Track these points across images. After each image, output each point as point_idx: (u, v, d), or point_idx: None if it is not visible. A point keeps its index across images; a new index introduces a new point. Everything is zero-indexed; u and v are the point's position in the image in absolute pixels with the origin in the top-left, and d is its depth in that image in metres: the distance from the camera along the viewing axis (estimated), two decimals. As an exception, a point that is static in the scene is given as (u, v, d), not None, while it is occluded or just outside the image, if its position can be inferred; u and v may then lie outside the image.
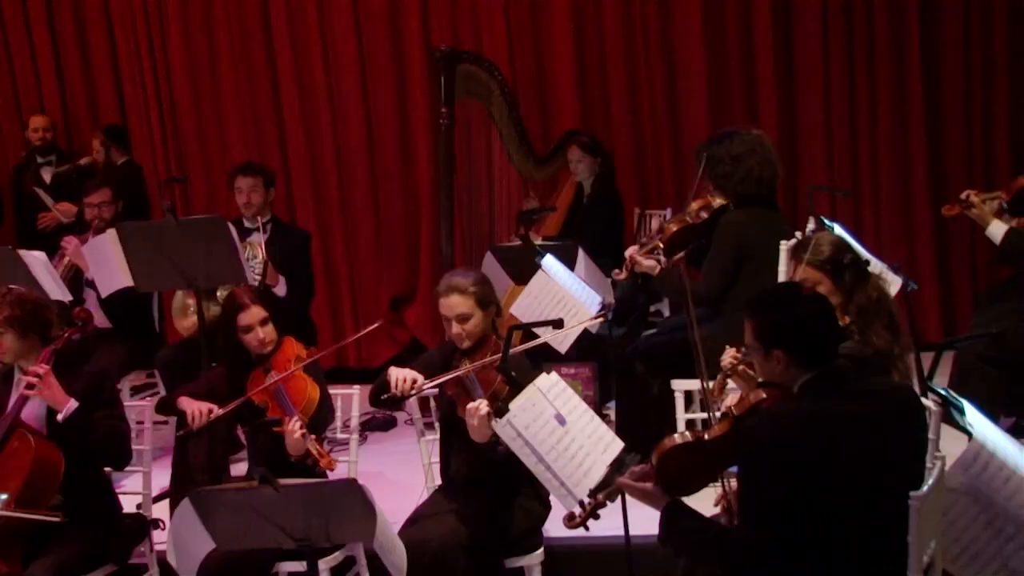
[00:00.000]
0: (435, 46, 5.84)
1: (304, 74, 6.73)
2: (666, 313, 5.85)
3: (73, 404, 3.63)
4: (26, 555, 3.51)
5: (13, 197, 7.11)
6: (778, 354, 2.61)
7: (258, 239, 5.30)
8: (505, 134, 5.70)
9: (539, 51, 6.55)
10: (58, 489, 3.62)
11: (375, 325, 4.07)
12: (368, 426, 5.43)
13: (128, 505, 3.96)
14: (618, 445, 3.12)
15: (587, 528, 2.88)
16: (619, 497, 2.82)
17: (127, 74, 7.03)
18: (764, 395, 2.63)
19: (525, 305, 4.36)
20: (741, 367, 3.17)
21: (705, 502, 2.85)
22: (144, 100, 6.98)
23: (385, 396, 3.59)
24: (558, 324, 3.63)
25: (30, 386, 3.62)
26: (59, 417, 3.62)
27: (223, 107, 6.89)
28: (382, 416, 5.55)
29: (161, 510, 4.10)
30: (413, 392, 3.57)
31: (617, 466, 3.02)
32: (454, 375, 3.56)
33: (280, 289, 5.17)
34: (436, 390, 3.70)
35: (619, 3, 6.46)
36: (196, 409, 3.74)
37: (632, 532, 3.02)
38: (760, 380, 2.70)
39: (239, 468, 4.39)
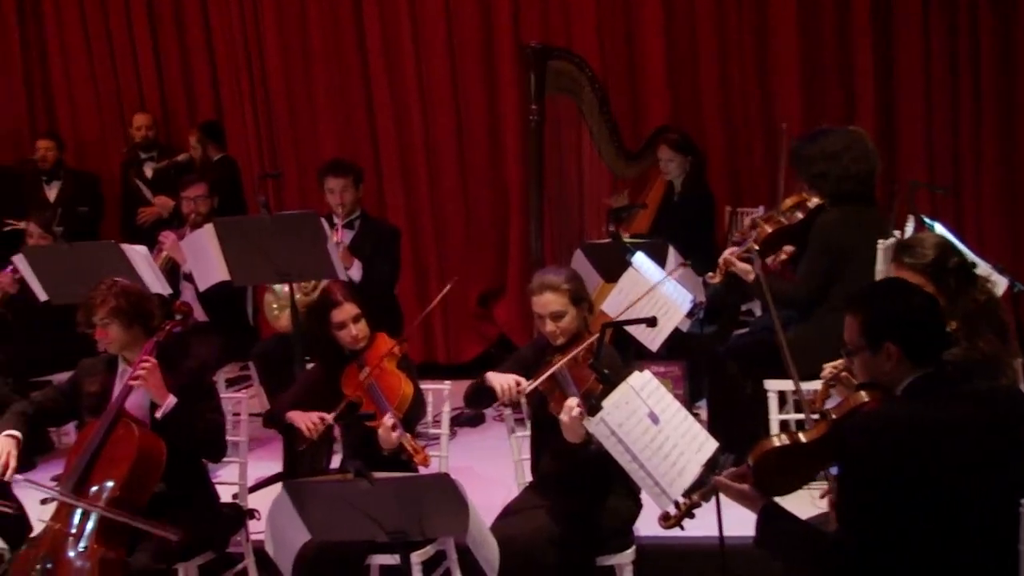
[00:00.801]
0: (526, 43, 5.87)
1: (395, 70, 6.82)
2: (757, 312, 5.79)
3: (172, 400, 3.74)
4: (131, 542, 3.63)
5: (121, 192, 7.34)
6: (889, 347, 2.54)
7: None
8: (595, 130, 5.70)
9: (630, 45, 6.52)
10: (160, 478, 3.73)
11: (443, 292, 4.09)
12: (456, 421, 5.49)
13: (224, 495, 4.06)
14: (712, 445, 3.12)
15: (682, 528, 2.89)
16: (713, 497, 2.82)
17: (224, 72, 7.21)
18: (865, 398, 2.60)
19: (616, 302, 4.36)
20: (844, 374, 3.12)
21: (801, 503, 2.83)
22: (240, 97, 7.15)
23: (496, 404, 3.65)
24: (652, 322, 3.63)
25: (136, 377, 3.74)
26: (158, 413, 3.73)
27: (316, 104, 7.02)
28: (470, 411, 5.61)
29: (256, 500, 4.21)
30: (520, 397, 3.61)
31: (711, 466, 3.01)
32: (550, 371, 3.58)
33: (355, 272, 5.22)
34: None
35: (712, -6, 6.41)
36: (308, 422, 3.83)
37: (726, 533, 3.01)
38: (861, 382, 2.67)
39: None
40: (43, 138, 7.24)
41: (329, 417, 3.84)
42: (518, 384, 3.60)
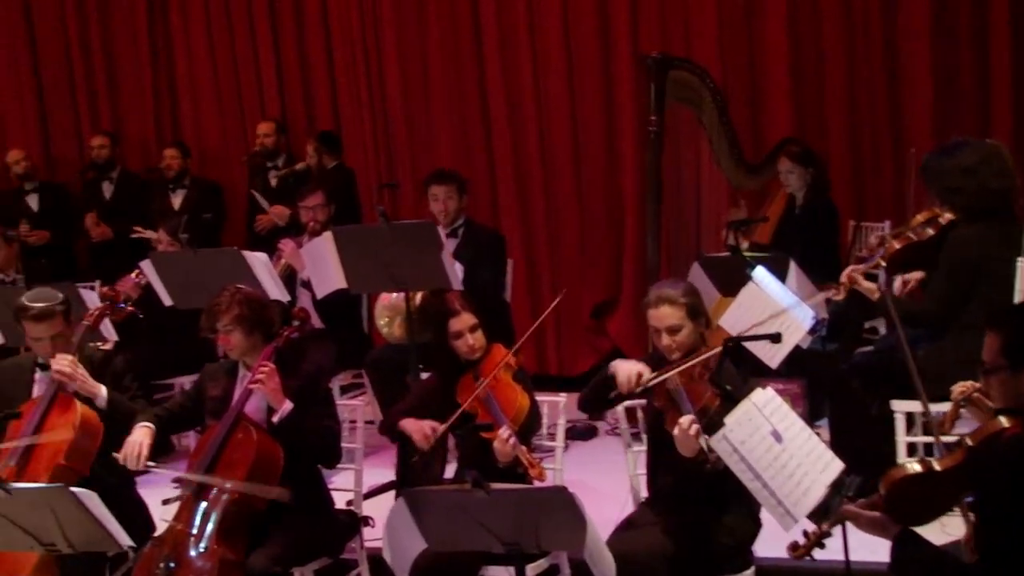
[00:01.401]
0: (645, 53, 5.86)
1: (512, 80, 6.88)
2: (881, 330, 5.65)
3: (288, 406, 3.82)
4: (249, 545, 3.73)
5: (242, 200, 7.57)
6: None
7: None
8: (715, 141, 5.66)
9: (752, 55, 6.44)
10: (278, 482, 3.83)
11: (555, 303, 4.10)
12: (570, 434, 5.49)
13: (339, 502, 4.14)
14: (837, 465, 3.05)
15: (812, 559, 2.83)
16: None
17: (343, 82, 7.38)
18: (1005, 423, 2.51)
19: (735, 317, 4.31)
20: (976, 395, 3.02)
21: (930, 529, 2.75)
22: (358, 107, 7.30)
23: (613, 394, 3.62)
24: (776, 338, 3.58)
25: (255, 381, 3.85)
26: (275, 418, 3.83)
27: (432, 113, 7.12)
28: (583, 425, 5.61)
29: (370, 507, 4.28)
30: (638, 389, 3.58)
31: (837, 488, 2.95)
32: (673, 372, 3.55)
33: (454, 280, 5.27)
34: (644, 400, 3.72)
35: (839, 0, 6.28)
36: (422, 431, 3.89)
37: (852, 558, 2.94)
38: (999, 407, 2.58)
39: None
40: (170, 147, 7.53)
41: (441, 427, 3.88)
42: (640, 375, 3.58)
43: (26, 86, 8.24)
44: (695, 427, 3.36)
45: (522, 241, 6.89)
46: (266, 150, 7.35)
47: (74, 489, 3.11)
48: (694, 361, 3.54)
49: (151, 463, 3.81)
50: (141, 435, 3.87)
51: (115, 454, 3.83)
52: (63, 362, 3.96)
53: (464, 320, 4.04)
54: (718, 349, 3.49)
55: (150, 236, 6.83)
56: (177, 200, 7.42)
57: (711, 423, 3.28)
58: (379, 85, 7.19)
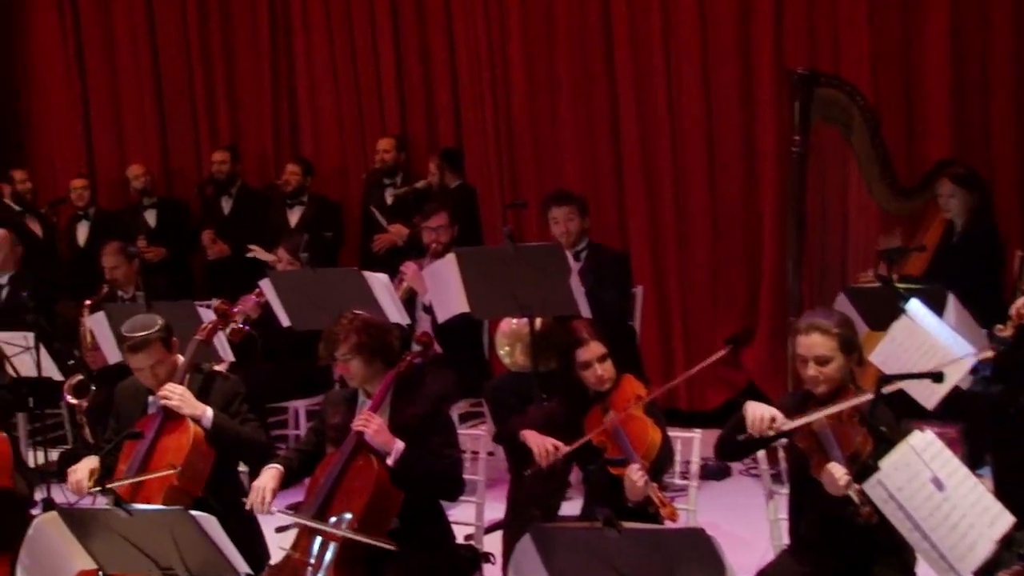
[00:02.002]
0: (790, 68, 5.78)
1: (645, 98, 6.87)
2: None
3: (400, 446, 3.87)
4: (368, 574, 3.77)
5: (360, 218, 7.72)
6: None
7: None
8: (864, 163, 5.53)
9: (907, 72, 6.27)
10: (397, 513, 3.86)
11: (719, 355, 4.04)
12: (701, 473, 5.41)
13: (458, 535, 4.16)
14: (1007, 519, 2.93)
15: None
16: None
17: (466, 98, 7.48)
18: None
19: (887, 353, 4.19)
20: None
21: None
22: (482, 123, 7.38)
23: (742, 437, 3.56)
24: (938, 378, 3.46)
25: (360, 429, 3.90)
26: (389, 461, 3.86)
27: (560, 131, 7.15)
28: (716, 464, 5.53)
29: (492, 542, 4.29)
30: (771, 433, 3.52)
31: (1007, 544, 2.84)
32: (813, 418, 3.47)
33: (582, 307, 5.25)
34: (785, 440, 3.64)
35: (1008, 7, 6.07)
36: (544, 446, 3.89)
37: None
38: None
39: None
40: (292, 162, 7.72)
41: (565, 449, 3.88)
42: (773, 419, 3.51)
43: (147, 100, 8.60)
44: (845, 476, 3.27)
45: (651, 266, 6.86)
46: (385, 167, 7.49)
47: (194, 513, 3.19)
48: (843, 407, 3.46)
49: (274, 510, 3.85)
50: (267, 478, 3.94)
51: (243, 499, 3.93)
52: (167, 391, 4.08)
53: (593, 350, 4.03)
54: (868, 396, 3.39)
55: (267, 258, 7.01)
56: (294, 217, 7.61)
57: (863, 469, 3.20)
58: (504, 101, 7.26)
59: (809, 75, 5.51)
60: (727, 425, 3.69)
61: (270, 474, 3.96)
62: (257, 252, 7.26)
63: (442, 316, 5.34)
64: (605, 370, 4.03)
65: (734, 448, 3.67)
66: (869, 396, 3.39)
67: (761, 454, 3.91)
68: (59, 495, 5.58)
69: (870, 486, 2.95)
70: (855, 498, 3.21)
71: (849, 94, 5.50)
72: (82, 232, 8.16)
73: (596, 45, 6.98)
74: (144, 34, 8.53)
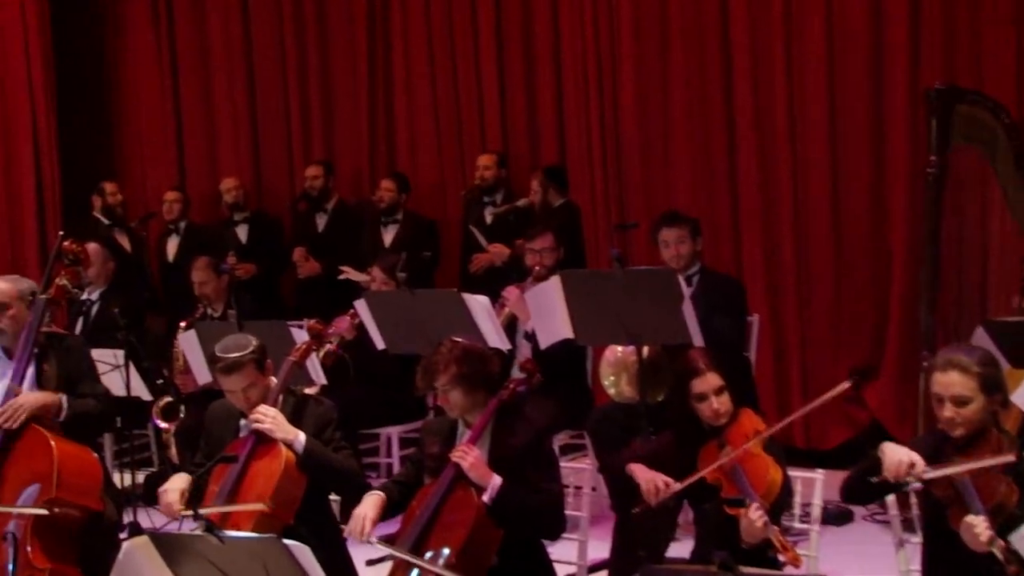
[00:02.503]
0: (928, 85, 5.66)
1: (764, 113, 6.79)
2: None
3: (497, 483, 3.86)
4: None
5: (458, 237, 7.78)
6: None
7: None
8: (1010, 189, 5.38)
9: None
10: (497, 550, 3.86)
11: (842, 387, 3.96)
12: (823, 517, 5.31)
13: (560, 575, 4.13)
14: None
15: None
16: None
17: (571, 113, 7.47)
18: None
19: (1033, 393, 4.08)
20: None
21: None
22: (587, 140, 7.35)
23: (875, 479, 3.48)
24: (1091, 422, 3.35)
25: (457, 459, 3.91)
26: (485, 497, 3.86)
27: (672, 149, 7.10)
28: (836, 507, 5.42)
29: (595, 584, 4.26)
30: (909, 480, 3.44)
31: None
32: (956, 470, 3.38)
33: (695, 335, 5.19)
34: (918, 484, 3.55)
35: None
36: (653, 482, 3.85)
37: None
38: None
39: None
40: (387, 179, 7.80)
41: (676, 486, 3.85)
42: (913, 465, 3.42)
43: (241, 113, 8.78)
44: (987, 531, 3.18)
45: (768, 294, 6.76)
46: (485, 184, 7.53)
47: (287, 542, 3.23)
48: (991, 463, 3.35)
49: (373, 539, 3.87)
50: (368, 506, 3.98)
51: (343, 526, 3.98)
52: (260, 414, 4.14)
53: (709, 381, 3.99)
54: (1006, 458, 3.29)
55: (360, 279, 7.08)
56: (389, 235, 7.69)
57: (1008, 521, 3.10)
58: (612, 117, 7.24)
59: (948, 91, 5.39)
60: (858, 466, 3.61)
61: (371, 501, 3.99)
62: (350, 273, 7.34)
63: (545, 342, 5.33)
64: (722, 403, 3.99)
65: (865, 491, 3.59)
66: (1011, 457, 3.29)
67: (891, 499, 3.82)
68: (145, 519, 5.70)
69: (1017, 541, 2.85)
70: (999, 555, 3.12)
71: (993, 112, 5.35)
72: (171, 247, 8.34)
73: (713, 58, 6.92)
74: (239, 46, 8.72)
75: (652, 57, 7.12)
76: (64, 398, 4.53)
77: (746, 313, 5.70)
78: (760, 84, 6.81)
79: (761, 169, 6.84)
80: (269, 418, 4.12)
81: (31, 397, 4.46)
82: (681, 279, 5.08)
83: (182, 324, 6.56)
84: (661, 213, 5.87)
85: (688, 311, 4.79)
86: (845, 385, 3.94)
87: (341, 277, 7.43)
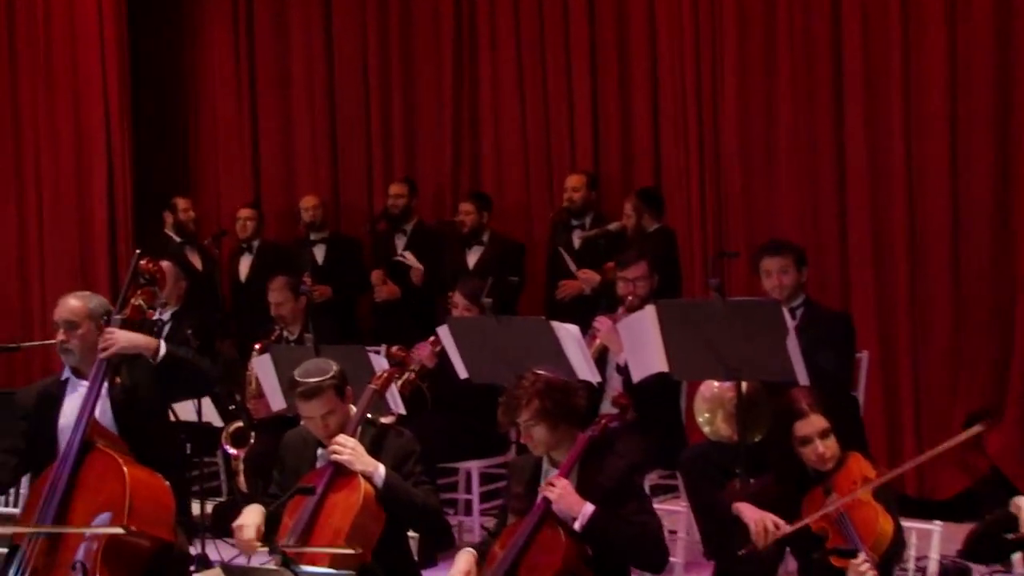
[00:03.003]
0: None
1: (878, 134, 6.72)
2: None
3: (588, 509, 3.88)
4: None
5: (546, 261, 7.78)
6: None
7: None
8: None
9: None
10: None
11: (973, 431, 3.89)
12: (939, 573, 5.21)
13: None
14: None
15: None
16: None
17: (668, 133, 7.49)
18: None
19: None
20: None
21: None
22: (685, 162, 7.35)
23: (1012, 536, 3.43)
24: None
25: (547, 495, 3.92)
26: (576, 525, 3.88)
27: (776, 172, 7.06)
28: (953, 563, 5.31)
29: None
30: None
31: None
32: None
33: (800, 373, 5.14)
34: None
35: None
36: (763, 522, 3.83)
37: None
38: None
39: None
40: (465, 201, 7.83)
41: (787, 528, 3.84)
42: None
43: (320, 128, 8.87)
44: None
45: (878, 329, 6.67)
46: (574, 206, 7.53)
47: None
48: None
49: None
50: (462, 565, 4.05)
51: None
52: (338, 445, 4.19)
53: (814, 423, 3.98)
54: None
55: (413, 264, 7.01)
56: (472, 258, 7.72)
57: None
58: (712, 137, 7.22)
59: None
60: (987, 520, 3.56)
61: (465, 559, 4.06)
62: (408, 259, 7.39)
63: (637, 375, 5.31)
64: (828, 447, 3.97)
65: (995, 548, 3.53)
66: None
67: (1016, 556, 3.74)
68: (213, 551, 5.78)
69: None
70: None
71: None
72: (244, 266, 8.45)
73: (822, 73, 6.87)
74: (320, 59, 8.83)
75: (757, 72, 7.10)
76: (162, 342, 4.60)
77: (854, 349, 5.62)
78: (874, 103, 6.74)
79: (872, 193, 6.77)
80: (348, 449, 4.16)
81: (125, 334, 4.54)
82: (784, 311, 5.04)
83: (257, 347, 6.65)
84: (765, 241, 5.82)
85: (792, 346, 4.75)
86: (977, 429, 3.91)
87: (397, 258, 7.45)
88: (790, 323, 5.16)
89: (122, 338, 4.54)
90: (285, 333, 6.90)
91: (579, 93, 7.88)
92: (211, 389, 5.28)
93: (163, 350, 4.59)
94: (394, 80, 8.63)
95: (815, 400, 4.06)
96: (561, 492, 3.90)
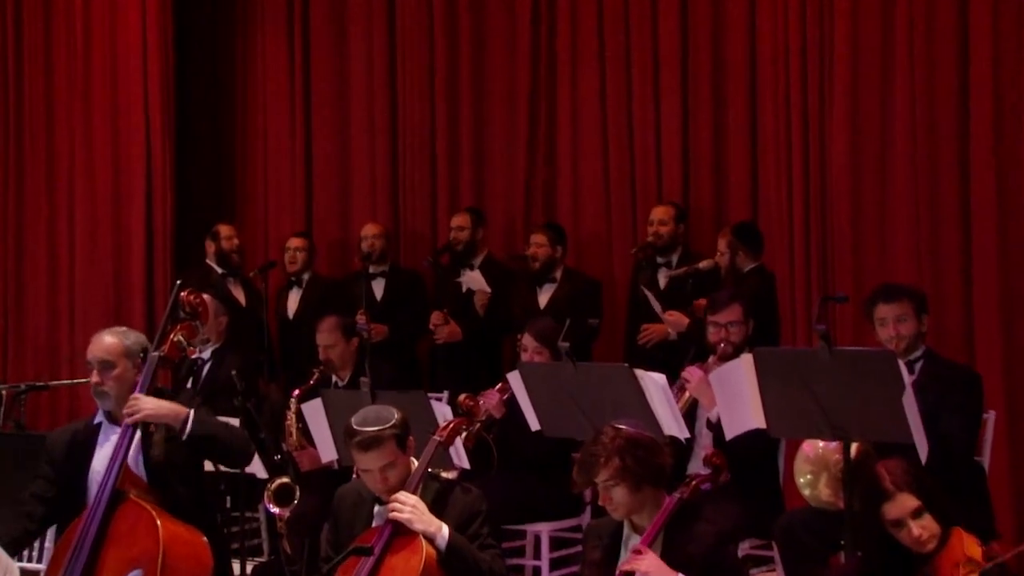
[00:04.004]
0: None
1: (1008, 172, 6.68)
2: None
3: None
4: None
5: (627, 302, 7.77)
6: None
7: None
8: None
9: None
10: None
11: None
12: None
13: None
14: None
15: None
16: None
17: (768, 162, 7.46)
18: None
19: None
20: None
21: None
22: (788, 194, 7.32)
23: None
24: None
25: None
26: None
27: (891, 209, 7.01)
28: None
29: None
30: None
31: None
32: None
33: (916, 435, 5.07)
34: None
35: None
36: None
37: None
38: None
39: None
40: (537, 232, 7.83)
41: None
42: None
43: (380, 152, 8.91)
44: None
45: (1005, 386, 6.60)
46: (660, 241, 7.50)
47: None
48: None
49: None
50: None
51: None
52: (398, 502, 4.20)
53: (903, 504, 3.93)
54: None
55: (482, 288, 6.97)
56: (544, 297, 7.71)
57: None
58: (819, 167, 7.20)
59: None
60: None
61: None
62: (472, 278, 7.35)
63: (731, 432, 5.26)
64: (923, 528, 3.92)
65: None
66: None
67: None
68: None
69: None
70: None
71: None
72: (292, 301, 8.50)
73: (946, 97, 6.82)
74: (382, 75, 8.88)
75: (871, 92, 7.05)
76: (191, 412, 4.63)
77: (981, 409, 5.54)
78: (1004, 128, 6.69)
79: (1001, 235, 6.71)
80: (409, 507, 4.16)
81: (152, 402, 4.58)
82: (901, 365, 4.98)
83: (295, 392, 6.69)
84: (879, 286, 5.76)
85: (909, 404, 4.67)
86: None
87: (461, 280, 7.53)
88: (907, 378, 5.09)
89: (148, 406, 4.60)
90: (335, 379, 6.91)
91: (668, 114, 7.89)
92: (244, 465, 5.31)
93: (190, 426, 4.62)
94: (463, 98, 8.68)
95: (900, 476, 3.98)
96: (651, 566, 3.87)
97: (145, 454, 4.72)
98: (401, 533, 4.20)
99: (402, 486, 4.25)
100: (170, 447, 4.71)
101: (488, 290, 7.42)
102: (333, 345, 6.92)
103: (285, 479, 6.21)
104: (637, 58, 8.01)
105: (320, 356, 6.95)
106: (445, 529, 4.19)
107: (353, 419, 4.31)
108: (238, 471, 5.63)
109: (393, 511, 4.18)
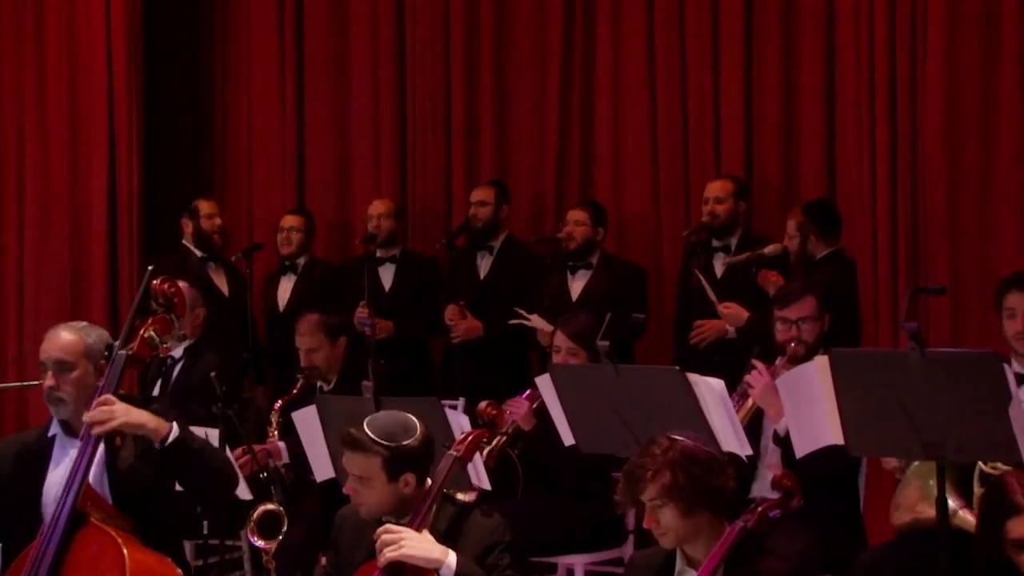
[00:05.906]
0: None
1: None
2: None
3: None
4: None
5: (677, 293, 7.76)
6: None
7: None
8: None
9: None
10: None
11: None
12: None
13: None
14: None
15: None
16: None
17: (848, 131, 7.45)
18: None
19: None
20: None
21: None
22: (871, 169, 7.30)
23: None
24: None
25: None
26: None
27: (994, 186, 7.04)
28: None
29: None
30: None
31: None
32: None
33: None
34: None
35: None
36: None
37: None
38: None
39: None
40: (577, 208, 7.80)
41: None
42: None
43: (385, 118, 8.89)
44: None
45: None
46: (716, 222, 7.46)
47: None
48: None
49: None
50: None
51: None
52: (380, 545, 4.23)
53: None
54: None
55: (541, 326, 7.03)
56: (577, 286, 7.72)
57: None
58: (908, 137, 7.19)
59: None
60: None
61: None
62: (534, 320, 7.31)
63: (802, 448, 5.24)
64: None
65: None
66: None
67: None
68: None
69: None
70: None
71: None
72: (284, 290, 8.50)
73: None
74: (388, 28, 8.85)
75: (971, 50, 7.06)
76: (175, 424, 4.61)
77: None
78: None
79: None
80: (395, 542, 4.20)
81: (127, 409, 4.55)
82: (1009, 371, 4.97)
83: (278, 404, 6.70)
84: (974, 273, 5.73)
85: (1017, 415, 4.63)
86: None
87: (512, 323, 7.45)
88: (1019, 390, 5.06)
89: (123, 413, 4.56)
90: (320, 385, 6.90)
91: (728, 75, 7.89)
92: (226, 494, 5.28)
93: (174, 435, 4.60)
94: (483, 55, 8.68)
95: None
96: None
97: (110, 470, 4.69)
98: (405, 571, 4.20)
99: (381, 511, 4.26)
100: (141, 463, 4.69)
101: (550, 328, 7.25)
102: (316, 348, 6.94)
103: (270, 506, 6.16)
104: (691, 7, 7.99)
105: (302, 361, 6.97)
106: (452, 556, 4.20)
107: (367, 417, 4.34)
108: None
109: (380, 555, 4.20)
